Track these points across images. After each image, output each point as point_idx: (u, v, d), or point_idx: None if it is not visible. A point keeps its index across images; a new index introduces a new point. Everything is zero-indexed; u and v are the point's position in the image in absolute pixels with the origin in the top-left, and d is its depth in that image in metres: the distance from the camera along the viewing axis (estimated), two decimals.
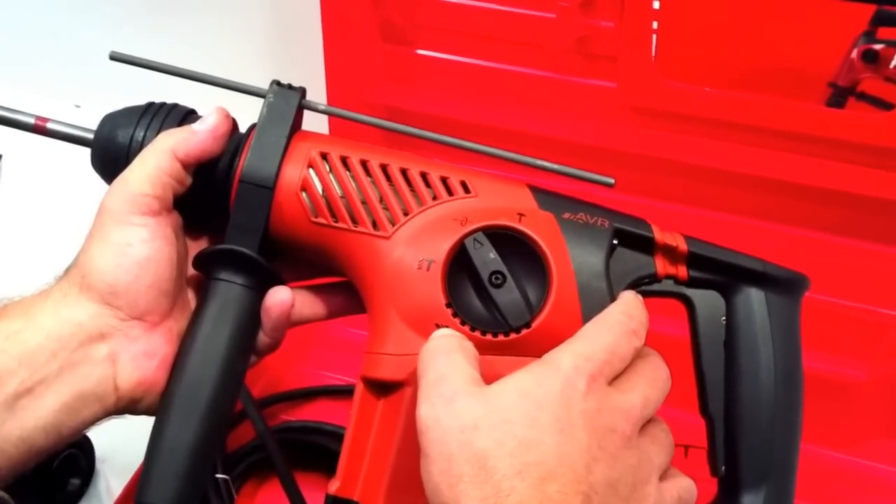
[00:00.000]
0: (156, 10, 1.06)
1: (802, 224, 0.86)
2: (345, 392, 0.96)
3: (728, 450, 0.55)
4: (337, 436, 0.87)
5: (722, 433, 0.55)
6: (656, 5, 0.80)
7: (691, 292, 0.55)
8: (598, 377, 0.46)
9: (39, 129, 0.57)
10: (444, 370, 0.47)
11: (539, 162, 0.56)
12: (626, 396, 0.47)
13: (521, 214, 0.52)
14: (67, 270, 0.53)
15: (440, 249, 0.52)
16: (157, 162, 0.52)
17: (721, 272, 0.55)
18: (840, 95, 0.80)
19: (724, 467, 0.55)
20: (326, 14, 0.89)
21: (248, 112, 0.57)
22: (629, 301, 0.51)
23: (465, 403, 0.45)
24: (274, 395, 0.94)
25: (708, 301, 0.55)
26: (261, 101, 0.56)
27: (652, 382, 0.48)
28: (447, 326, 0.50)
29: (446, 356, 0.48)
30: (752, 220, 0.88)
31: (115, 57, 0.56)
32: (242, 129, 0.58)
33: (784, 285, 0.55)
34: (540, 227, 0.52)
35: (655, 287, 0.55)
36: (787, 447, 0.55)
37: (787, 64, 0.82)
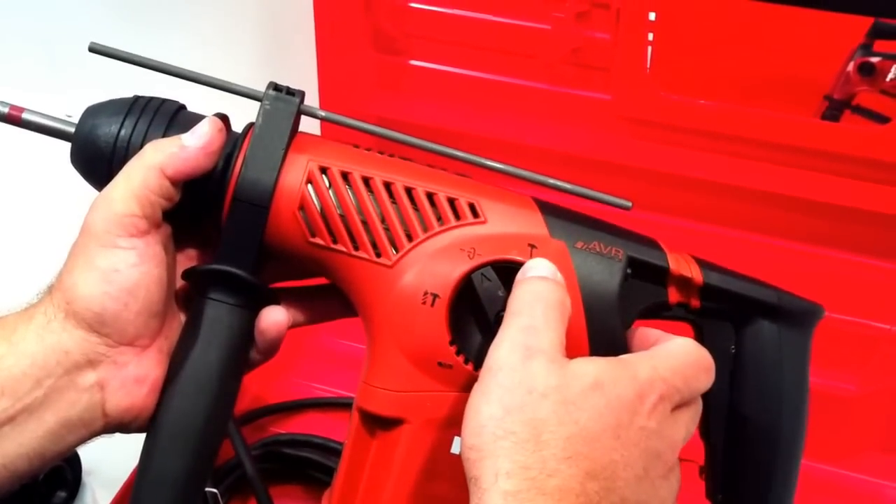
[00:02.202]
0: (147, 16, 1.06)
1: (796, 237, 0.87)
2: (334, 404, 0.96)
3: (727, 478, 0.55)
4: (326, 448, 0.87)
5: (722, 461, 0.55)
6: (652, 17, 0.81)
7: (701, 320, 0.55)
8: (665, 400, 0.46)
9: (13, 118, 0.53)
10: (539, 322, 0.46)
11: (554, 181, 0.54)
12: (679, 427, 0.47)
13: (532, 245, 0.50)
14: (51, 290, 0.51)
15: (446, 283, 0.50)
16: (144, 180, 0.49)
17: (734, 303, 0.54)
18: (836, 108, 0.81)
19: (720, 496, 0.55)
20: (320, 23, 0.89)
21: (235, 104, 0.55)
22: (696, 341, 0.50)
23: (544, 367, 0.44)
24: (262, 408, 0.94)
25: (718, 329, 0.54)
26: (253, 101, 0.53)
27: (695, 419, 0.48)
28: (450, 364, 0.49)
29: (545, 308, 0.46)
30: (746, 233, 0.88)
31: (94, 49, 0.53)
32: (235, 122, 0.55)
33: (798, 317, 0.55)
34: (552, 261, 0.50)
35: (665, 313, 0.54)
36: (786, 481, 0.55)
37: (782, 76, 0.82)
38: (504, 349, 0.45)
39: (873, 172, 0.80)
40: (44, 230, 1.06)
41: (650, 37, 0.81)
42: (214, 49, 0.98)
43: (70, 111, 0.54)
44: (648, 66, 0.82)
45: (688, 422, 0.48)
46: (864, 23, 0.77)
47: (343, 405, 0.95)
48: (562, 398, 0.43)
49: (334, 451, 0.86)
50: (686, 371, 0.47)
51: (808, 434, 0.57)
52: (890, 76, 0.78)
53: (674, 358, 0.47)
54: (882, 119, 0.80)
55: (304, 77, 0.91)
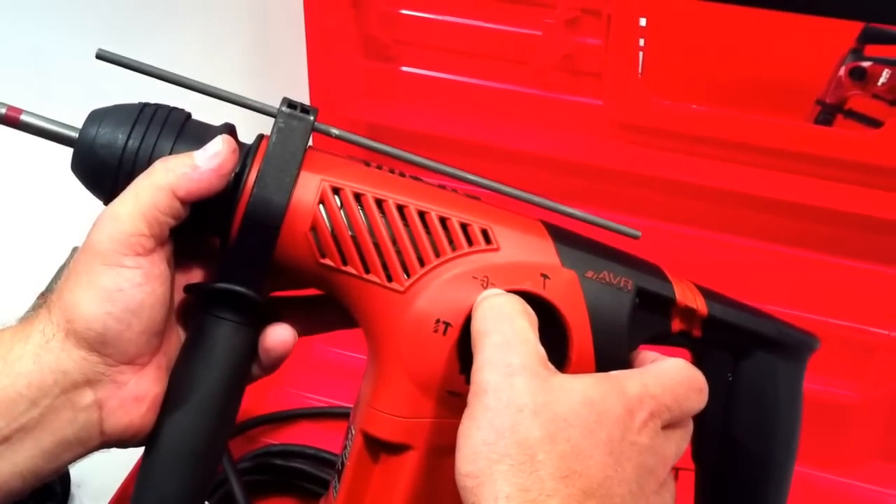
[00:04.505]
0: (138, 23, 1.07)
1: (791, 242, 0.88)
2: (326, 414, 0.96)
3: (717, 502, 0.57)
4: (319, 459, 0.87)
5: (713, 484, 0.57)
6: (643, 22, 0.82)
7: (701, 349, 0.56)
8: (655, 417, 0.46)
9: (11, 120, 0.52)
10: (510, 336, 0.46)
11: (564, 209, 0.55)
12: (670, 445, 0.47)
13: (544, 276, 0.51)
14: (49, 307, 0.50)
15: (458, 312, 0.50)
16: (154, 199, 0.49)
17: (735, 334, 0.55)
18: (828, 113, 0.82)
19: None
20: (310, 30, 0.90)
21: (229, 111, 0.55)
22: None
23: (529, 383, 0.44)
24: (253, 419, 0.94)
25: (716, 358, 0.56)
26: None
27: (686, 438, 0.49)
28: (460, 394, 0.49)
29: (511, 320, 0.47)
30: (739, 239, 0.89)
31: (101, 56, 0.52)
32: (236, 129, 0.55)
33: (794, 349, 0.56)
34: (563, 292, 0.51)
35: (666, 340, 0.56)
36: None
37: (774, 81, 0.83)
38: (485, 371, 0.45)
39: (867, 177, 0.81)
40: (38, 235, 1.08)
41: (641, 42, 0.82)
42: (204, 55, 0.99)
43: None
44: (640, 71, 0.83)
45: (678, 440, 0.48)
46: (855, 27, 0.79)
47: (336, 415, 0.95)
48: (552, 415, 0.44)
49: (327, 462, 0.87)
50: (677, 390, 0.48)
51: (807, 441, 0.59)
52: (881, 80, 0.79)
53: (665, 376, 0.48)
54: (875, 123, 0.80)
55: (295, 84, 0.92)
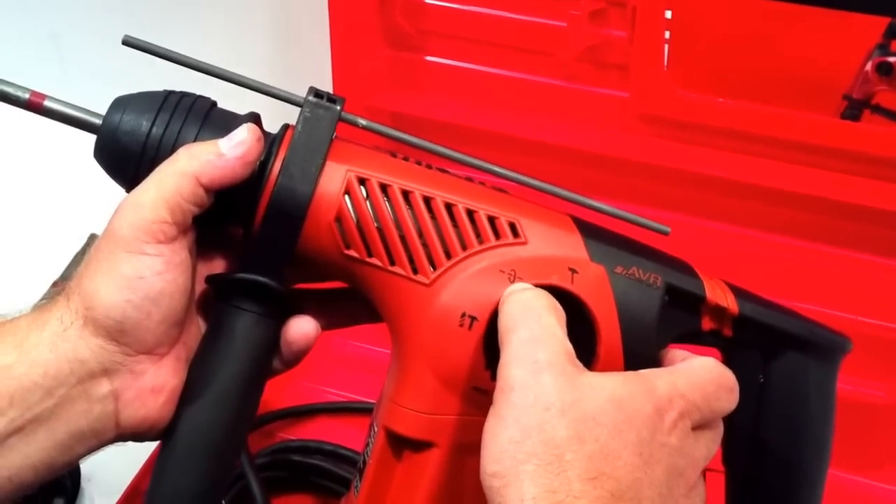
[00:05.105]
0: (160, 10, 1.08)
1: (817, 238, 0.88)
2: (346, 409, 0.96)
3: None
4: (337, 456, 0.87)
5: (742, 489, 0.57)
6: (668, 15, 0.82)
7: (732, 349, 0.56)
8: (685, 417, 0.46)
9: (35, 106, 0.52)
10: (538, 332, 0.46)
11: (591, 202, 0.55)
12: (700, 446, 0.47)
13: (572, 270, 0.51)
14: (67, 294, 0.50)
15: (484, 306, 0.50)
16: (178, 186, 0.49)
17: (766, 334, 0.55)
18: (855, 108, 0.82)
19: None
20: (334, 19, 0.90)
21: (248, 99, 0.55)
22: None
23: (557, 381, 0.44)
24: (271, 413, 0.94)
25: (747, 359, 0.55)
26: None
27: (716, 440, 0.49)
28: (485, 390, 0.48)
29: (539, 316, 0.47)
30: (765, 234, 0.89)
31: (127, 42, 0.53)
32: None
33: (826, 350, 0.56)
34: (591, 287, 0.51)
35: (696, 339, 0.55)
36: None
37: (801, 75, 0.83)
38: (512, 367, 0.45)
39: (894, 172, 0.81)
40: (49, 223, 1.09)
41: (667, 34, 0.82)
42: (227, 44, 0.99)
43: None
44: (665, 63, 0.83)
45: (709, 442, 0.47)
46: (881, 22, 0.79)
47: (355, 410, 0.95)
48: (580, 414, 0.43)
49: (346, 459, 0.86)
50: (707, 388, 0.47)
51: (836, 444, 0.58)
52: None
53: (695, 375, 0.47)
54: None
55: (319, 73, 0.92)
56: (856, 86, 0.81)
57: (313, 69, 0.93)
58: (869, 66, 0.80)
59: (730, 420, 0.51)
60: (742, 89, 0.84)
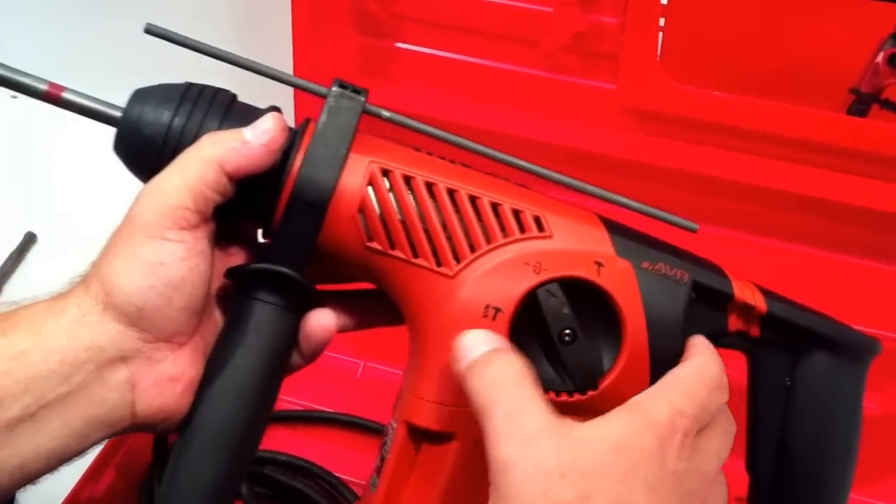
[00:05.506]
0: None
1: (817, 243, 0.87)
2: (299, 419, 0.94)
3: None
4: (291, 466, 0.86)
5: (766, 495, 0.56)
6: (663, 0, 0.80)
7: (758, 350, 0.56)
8: (689, 434, 0.46)
9: (53, 97, 0.53)
10: (517, 404, 0.46)
11: (618, 198, 0.55)
12: (709, 458, 0.47)
13: (599, 263, 0.52)
14: (86, 280, 0.51)
15: (510, 297, 0.51)
16: (201, 173, 0.50)
17: (794, 335, 0.55)
18: (863, 102, 0.82)
19: None
20: (297, 1, 0.88)
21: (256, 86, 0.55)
22: (713, 351, 0.51)
23: (548, 445, 0.44)
24: None
25: (774, 360, 0.56)
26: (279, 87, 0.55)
27: (727, 439, 0.49)
28: None
29: (514, 388, 0.47)
30: (762, 238, 0.88)
31: (149, 30, 0.54)
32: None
33: (855, 352, 0.56)
34: (618, 281, 0.52)
35: (722, 340, 0.55)
36: None
37: (805, 67, 0.83)
38: (502, 446, 0.45)
39: None
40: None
41: (661, 22, 0.81)
42: (183, 30, 0.98)
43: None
44: (659, 53, 0.82)
45: (718, 443, 0.48)
46: (895, 11, 0.78)
47: (311, 419, 0.94)
48: (581, 472, 0.43)
49: (301, 470, 0.86)
50: (701, 395, 0.47)
51: None
52: None
53: (686, 384, 0.48)
54: None
55: (278, 62, 0.89)
56: (865, 79, 0.82)
57: (272, 57, 0.89)
58: (880, 58, 0.80)
59: (754, 424, 0.54)
60: (741, 82, 0.83)
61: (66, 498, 0.77)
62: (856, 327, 0.81)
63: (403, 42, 0.92)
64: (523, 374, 0.47)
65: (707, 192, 0.86)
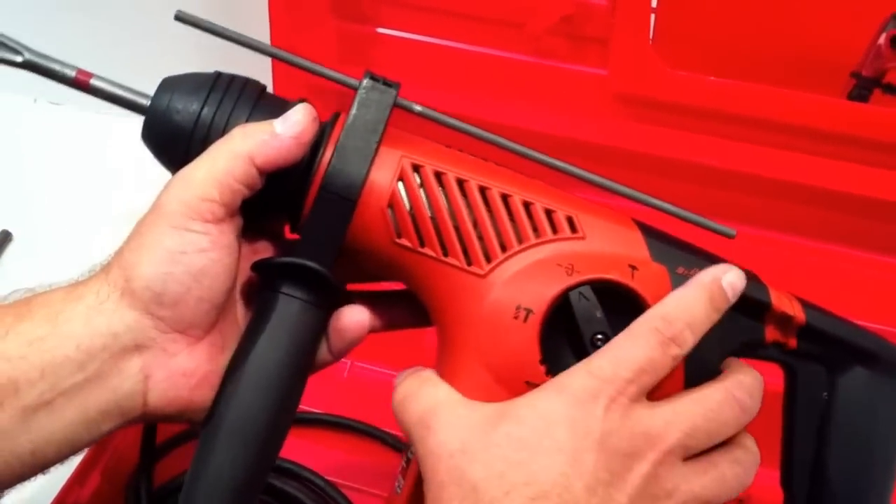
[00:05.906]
0: None
1: (817, 234, 0.87)
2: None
3: None
4: (278, 469, 0.83)
5: None
6: None
7: (796, 362, 0.55)
8: (617, 398, 0.47)
9: (81, 84, 0.54)
10: (422, 407, 0.49)
11: (653, 200, 0.55)
12: (655, 420, 0.47)
13: (633, 267, 0.51)
14: (107, 268, 0.52)
15: (541, 299, 0.51)
16: (230, 166, 0.51)
17: (833, 347, 0.55)
18: (864, 87, 0.81)
19: None
20: None
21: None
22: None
23: (448, 427, 0.48)
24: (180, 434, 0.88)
25: (811, 374, 0.55)
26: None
27: (709, 410, 0.48)
28: (538, 385, 0.50)
29: (415, 398, 0.50)
30: (759, 230, 0.87)
31: (180, 17, 0.54)
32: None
33: (895, 366, 0.56)
34: (652, 286, 0.51)
35: (759, 351, 0.55)
36: None
37: (803, 50, 0.82)
38: (417, 448, 0.49)
39: None
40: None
41: (653, 2, 0.81)
42: (153, 16, 0.91)
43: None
44: (651, 36, 0.82)
45: (684, 409, 0.48)
46: None
47: (297, 421, 0.89)
48: (481, 445, 0.47)
49: (288, 473, 0.84)
50: (635, 357, 0.47)
51: None
52: None
53: (615, 350, 0.48)
54: None
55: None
56: (866, 62, 0.81)
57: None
58: (882, 40, 0.80)
59: (790, 439, 0.54)
60: (738, 67, 0.82)
61: (53, 502, 0.75)
62: (868, 324, 0.81)
63: (383, 26, 0.91)
64: (426, 379, 0.51)
65: (703, 181, 0.85)
